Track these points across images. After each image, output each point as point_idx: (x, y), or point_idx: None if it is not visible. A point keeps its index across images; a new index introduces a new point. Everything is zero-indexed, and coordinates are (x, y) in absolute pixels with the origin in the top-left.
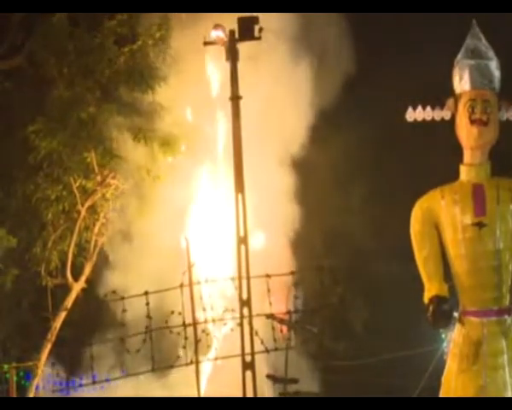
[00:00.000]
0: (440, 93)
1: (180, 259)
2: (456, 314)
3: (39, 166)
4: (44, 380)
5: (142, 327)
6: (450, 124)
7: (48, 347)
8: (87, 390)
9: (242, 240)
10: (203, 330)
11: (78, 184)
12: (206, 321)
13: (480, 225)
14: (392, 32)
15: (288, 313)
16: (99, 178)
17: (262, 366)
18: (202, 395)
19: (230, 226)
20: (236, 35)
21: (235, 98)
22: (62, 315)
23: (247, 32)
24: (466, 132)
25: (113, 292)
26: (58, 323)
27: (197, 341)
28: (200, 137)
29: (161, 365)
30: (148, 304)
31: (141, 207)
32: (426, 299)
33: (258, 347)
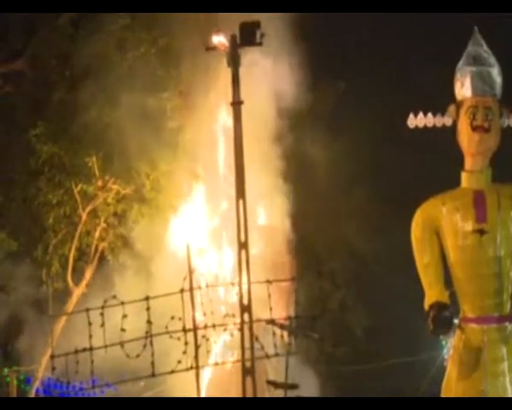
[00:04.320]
0: (441, 100)
1: (181, 264)
2: (456, 321)
3: (40, 171)
4: (45, 384)
5: (143, 332)
6: (452, 130)
7: (48, 351)
8: (87, 395)
9: (243, 245)
10: (203, 336)
11: (79, 188)
12: (206, 326)
13: (481, 231)
14: (393, 35)
15: (289, 318)
16: (100, 182)
17: (262, 372)
18: None
19: (231, 232)
20: (238, 40)
21: (237, 103)
22: (63, 320)
23: (248, 37)
24: (467, 139)
25: (114, 297)
26: (59, 327)
27: (197, 346)
28: (201, 142)
29: (161, 370)
30: (148, 309)
31: (142, 212)
32: (426, 306)
33: (258, 352)
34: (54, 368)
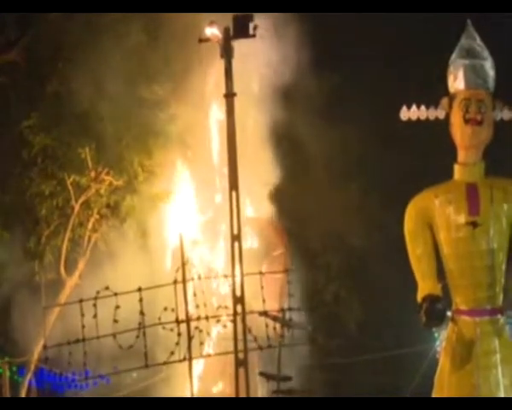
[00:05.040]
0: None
1: (174, 255)
2: (449, 313)
3: (33, 162)
4: (37, 375)
5: (135, 323)
6: (445, 123)
7: (41, 342)
8: (80, 386)
9: (236, 237)
10: (196, 327)
11: (72, 179)
12: (199, 318)
13: (473, 224)
14: (388, 29)
15: (282, 310)
16: (93, 173)
17: (255, 364)
18: (195, 391)
19: (224, 223)
20: (231, 32)
21: (230, 95)
22: (56, 311)
23: (241, 29)
24: (460, 132)
25: (107, 288)
26: (51, 318)
27: (190, 337)
28: (194, 134)
29: (154, 361)
30: (141, 300)
31: (134, 203)
32: (419, 298)
33: (251, 344)
34: (47, 359)
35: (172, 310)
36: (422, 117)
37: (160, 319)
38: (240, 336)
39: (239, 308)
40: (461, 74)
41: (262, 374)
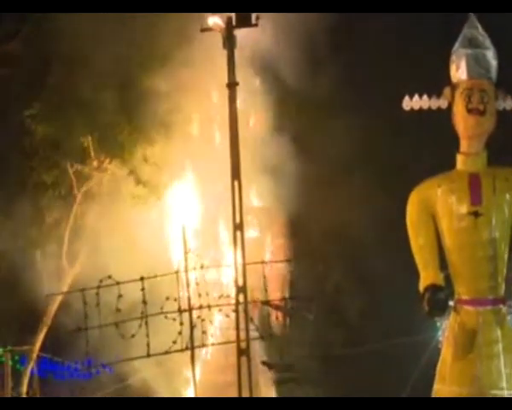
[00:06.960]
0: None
1: (177, 245)
2: (451, 303)
3: (35, 151)
4: (39, 364)
5: (138, 312)
6: (447, 113)
7: (43, 331)
8: (82, 375)
9: (238, 227)
10: (198, 316)
11: (74, 169)
12: (201, 307)
13: (476, 214)
14: (390, 20)
15: (284, 299)
16: (95, 163)
17: (257, 353)
18: (197, 381)
19: (226, 213)
20: (233, 22)
21: (232, 85)
22: (58, 299)
23: (244, 18)
24: (463, 122)
25: (109, 277)
26: (54, 307)
27: (192, 327)
28: (197, 124)
29: (156, 350)
30: (143, 289)
31: (137, 192)
32: (421, 288)
33: (253, 333)
34: (49, 348)
35: (175, 300)
36: (425, 107)
37: (162, 308)
38: (242, 326)
39: (241, 298)
40: (463, 64)
41: (264, 363)
